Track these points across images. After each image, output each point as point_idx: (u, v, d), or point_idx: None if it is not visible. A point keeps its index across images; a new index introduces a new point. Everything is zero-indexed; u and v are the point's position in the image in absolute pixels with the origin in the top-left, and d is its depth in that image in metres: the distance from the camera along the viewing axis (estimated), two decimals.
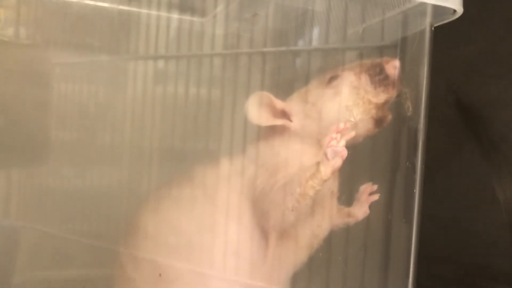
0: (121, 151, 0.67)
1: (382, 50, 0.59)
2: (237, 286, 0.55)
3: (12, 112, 0.61)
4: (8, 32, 0.63)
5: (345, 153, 0.49)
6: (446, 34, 0.54)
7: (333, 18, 0.60)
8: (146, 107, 0.66)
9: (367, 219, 0.58)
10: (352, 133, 0.51)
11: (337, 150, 0.49)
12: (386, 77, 0.54)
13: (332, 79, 0.56)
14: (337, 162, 0.49)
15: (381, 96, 0.55)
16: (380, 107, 0.55)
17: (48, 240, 0.63)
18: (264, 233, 0.55)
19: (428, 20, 0.51)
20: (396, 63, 0.54)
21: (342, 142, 0.49)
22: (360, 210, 0.59)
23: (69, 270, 0.65)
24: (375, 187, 0.59)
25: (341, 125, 0.51)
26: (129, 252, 0.57)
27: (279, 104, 0.57)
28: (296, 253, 0.58)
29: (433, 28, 0.52)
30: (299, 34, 0.64)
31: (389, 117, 0.56)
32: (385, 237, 0.56)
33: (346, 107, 0.55)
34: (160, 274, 0.55)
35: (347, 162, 0.51)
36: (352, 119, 0.54)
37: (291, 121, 0.57)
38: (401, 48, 0.56)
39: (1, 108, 0.60)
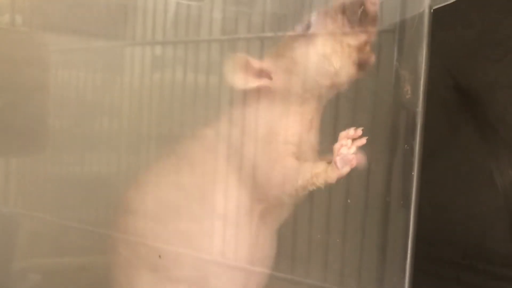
0: (119, 137, 0.67)
1: (381, 34, 0.58)
2: (236, 273, 0.55)
3: (10, 100, 0.61)
4: (4, 19, 0.63)
5: (355, 162, 0.48)
6: (444, 17, 0.53)
7: (331, 1, 0.59)
8: (144, 93, 0.66)
9: (365, 201, 0.58)
10: (363, 140, 0.49)
11: (347, 158, 0.48)
12: (365, 15, 0.51)
13: (307, 27, 0.53)
14: (346, 170, 0.49)
15: (361, 37, 0.51)
16: (361, 49, 0.52)
17: (47, 227, 0.64)
18: (251, 198, 0.55)
19: (427, 2, 0.51)
20: None
21: (353, 149, 0.48)
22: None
23: (68, 256, 0.65)
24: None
25: (351, 131, 0.50)
26: (125, 235, 0.57)
27: (256, 63, 0.54)
28: (281, 213, 0.58)
29: (432, 11, 0.51)
30: (298, 18, 0.64)
31: (372, 58, 0.53)
32: (383, 220, 0.56)
33: (324, 55, 0.52)
34: (160, 256, 0.55)
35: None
36: (332, 68, 0.52)
37: (271, 79, 0.55)
38: (400, 31, 0.55)
39: None
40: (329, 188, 0.51)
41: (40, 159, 0.66)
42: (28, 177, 0.67)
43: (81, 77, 0.67)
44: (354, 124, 0.52)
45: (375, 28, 0.52)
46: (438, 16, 0.53)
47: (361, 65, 0.53)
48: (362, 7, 0.51)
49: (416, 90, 0.51)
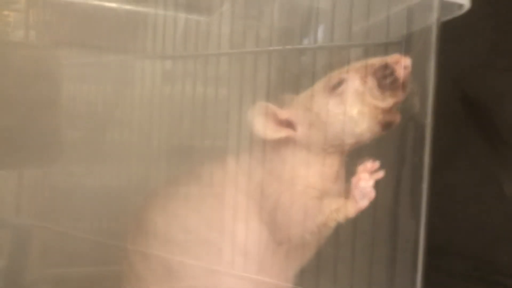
0: (130, 149, 0.67)
1: (388, 47, 0.58)
2: (246, 283, 0.56)
3: (23, 112, 0.61)
4: (19, 34, 0.64)
5: (373, 194, 0.49)
6: (452, 28, 0.53)
7: (338, 14, 0.60)
8: (154, 106, 0.67)
9: (374, 214, 0.58)
10: (381, 174, 0.49)
11: (365, 191, 0.49)
12: (395, 79, 0.50)
13: (337, 85, 0.53)
14: (364, 203, 0.49)
15: (389, 101, 0.51)
16: (388, 111, 0.52)
17: (59, 238, 0.64)
18: (272, 238, 0.55)
19: (435, 15, 0.51)
20: (406, 62, 0.50)
21: (371, 183, 0.49)
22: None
23: (80, 268, 0.66)
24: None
25: (369, 164, 0.49)
26: (139, 250, 0.58)
27: (282, 114, 0.55)
28: (304, 254, 0.58)
29: (440, 23, 0.51)
30: (305, 31, 0.64)
31: (398, 119, 0.53)
32: (393, 232, 0.56)
33: (351, 116, 0.52)
34: (170, 272, 0.55)
35: (355, 158, 0.52)
36: (358, 129, 0.52)
37: (295, 130, 0.55)
38: (407, 43, 0.55)
39: (12, 108, 0.61)
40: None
41: (52, 171, 0.67)
42: (40, 188, 0.68)
43: (93, 90, 0.68)
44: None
45: (404, 93, 0.51)
46: (445, 26, 0.53)
47: (385, 126, 0.53)
48: (393, 71, 0.51)
49: (424, 102, 0.51)
